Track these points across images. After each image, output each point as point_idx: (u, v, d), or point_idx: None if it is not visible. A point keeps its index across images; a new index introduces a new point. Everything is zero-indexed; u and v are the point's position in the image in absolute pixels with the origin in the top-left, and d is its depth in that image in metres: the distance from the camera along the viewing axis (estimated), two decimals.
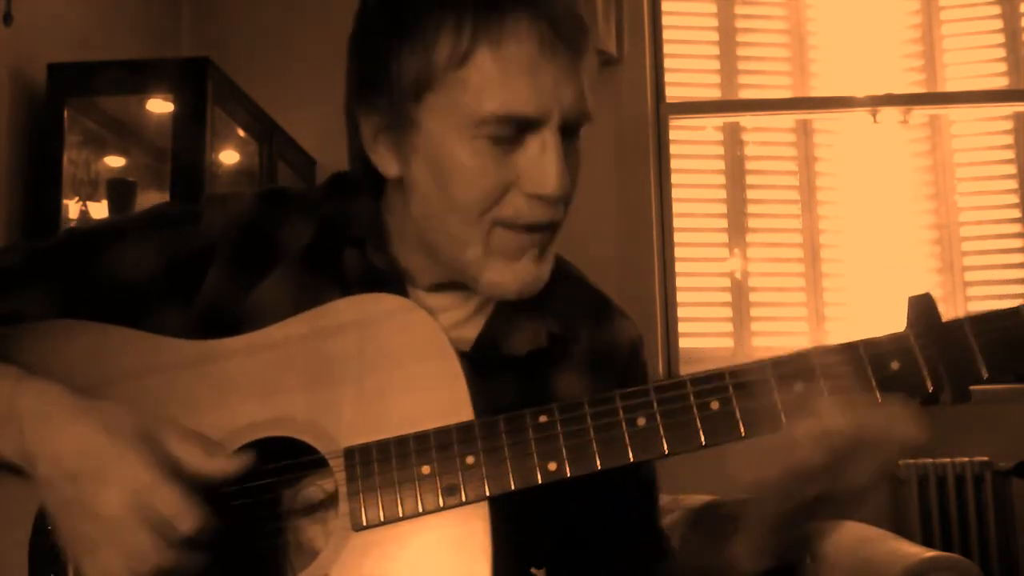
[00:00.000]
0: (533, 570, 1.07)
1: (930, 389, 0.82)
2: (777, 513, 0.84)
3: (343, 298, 0.93)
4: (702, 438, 0.82)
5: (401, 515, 0.84)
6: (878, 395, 0.82)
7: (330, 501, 0.91)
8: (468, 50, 0.88)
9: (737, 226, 3.63)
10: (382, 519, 0.84)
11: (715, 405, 0.82)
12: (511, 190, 0.92)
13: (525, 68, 0.88)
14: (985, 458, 3.23)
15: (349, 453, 0.86)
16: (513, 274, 0.94)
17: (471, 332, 1.01)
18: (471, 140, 0.90)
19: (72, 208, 2.69)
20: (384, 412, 0.87)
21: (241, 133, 3.08)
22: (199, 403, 0.91)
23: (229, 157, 3.14)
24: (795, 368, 0.82)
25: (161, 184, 2.80)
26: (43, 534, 0.88)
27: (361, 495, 0.85)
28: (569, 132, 0.93)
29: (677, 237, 3.57)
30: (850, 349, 0.83)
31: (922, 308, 0.84)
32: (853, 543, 2.95)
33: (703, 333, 3.58)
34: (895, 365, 0.82)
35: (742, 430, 0.82)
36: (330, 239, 1.02)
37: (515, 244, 0.93)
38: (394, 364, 0.89)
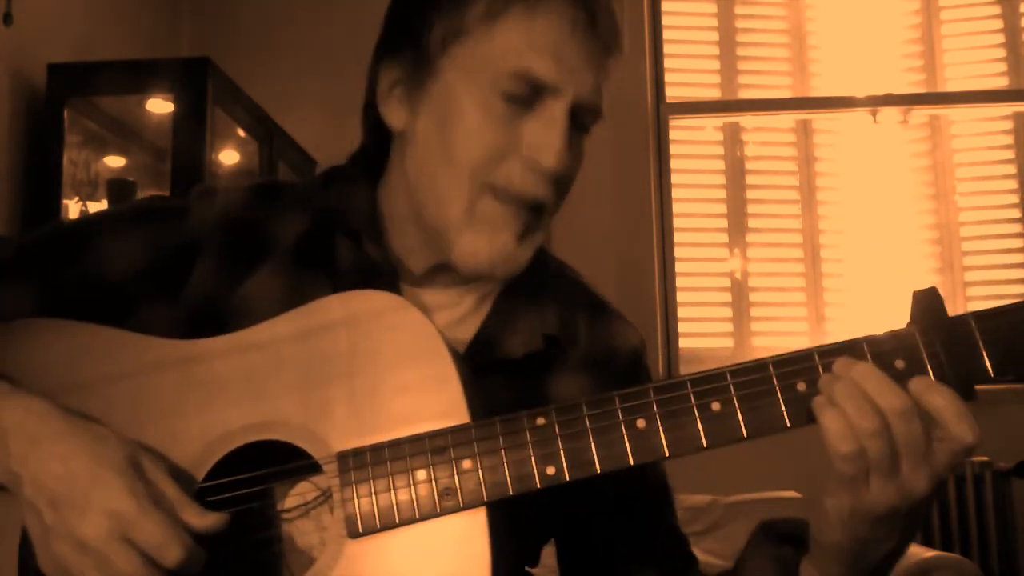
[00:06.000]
0: (528, 568, 1.06)
1: None
2: (841, 537, 0.79)
3: (332, 295, 0.90)
4: (703, 440, 0.80)
5: (398, 521, 0.82)
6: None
7: (325, 504, 0.90)
8: (502, 8, 0.91)
9: (737, 226, 3.63)
10: (378, 526, 0.82)
11: (716, 406, 0.80)
12: (510, 157, 0.92)
13: (552, 39, 0.90)
14: (985, 458, 3.23)
15: (343, 457, 0.84)
16: (490, 246, 0.93)
17: (467, 333, 0.99)
18: (485, 94, 0.91)
19: (72, 208, 2.69)
20: (376, 414, 0.84)
21: (241, 133, 3.08)
22: (187, 406, 0.88)
23: (229, 157, 3.14)
24: (797, 367, 0.80)
25: (161, 184, 2.81)
26: (30, 548, 0.85)
27: (356, 501, 0.82)
28: (578, 121, 0.94)
29: (677, 237, 3.57)
30: (854, 347, 0.80)
31: (927, 303, 0.81)
32: None
33: (703, 333, 3.58)
34: (899, 364, 0.79)
35: (744, 431, 0.80)
36: (324, 231, 1.00)
37: (499, 215, 0.92)
38: (385, 364, 0.86)
